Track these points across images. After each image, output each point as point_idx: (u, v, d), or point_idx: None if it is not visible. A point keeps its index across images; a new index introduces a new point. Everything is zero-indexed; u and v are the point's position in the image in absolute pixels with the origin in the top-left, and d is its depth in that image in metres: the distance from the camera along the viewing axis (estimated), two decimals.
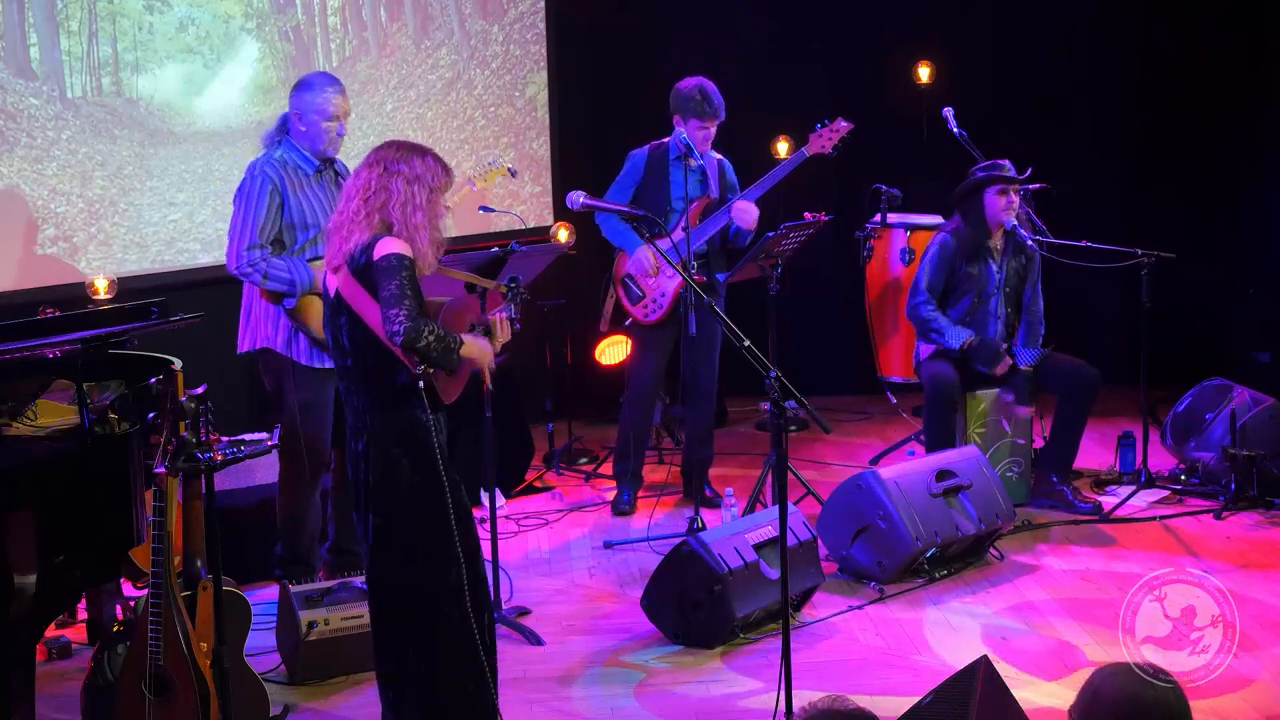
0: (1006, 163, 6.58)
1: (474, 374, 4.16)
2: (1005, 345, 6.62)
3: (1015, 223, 6.60)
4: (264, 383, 5.54)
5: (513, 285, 4.27)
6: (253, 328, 5.44)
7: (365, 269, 3.86)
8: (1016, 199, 6.56)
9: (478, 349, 4.05)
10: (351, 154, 5.46)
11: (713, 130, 6.33)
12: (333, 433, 5.47)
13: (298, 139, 5.38)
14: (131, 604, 4.95)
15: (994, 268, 6.61)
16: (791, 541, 5.18)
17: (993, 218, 6.55)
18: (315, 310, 5.38)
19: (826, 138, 6.37)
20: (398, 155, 3.96)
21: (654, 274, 6.41)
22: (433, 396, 3.96)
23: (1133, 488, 6.66)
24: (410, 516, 3.97)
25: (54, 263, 6.29)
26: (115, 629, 4.64)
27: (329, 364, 5.40)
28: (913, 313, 6.62)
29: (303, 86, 5.42)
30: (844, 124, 6.37)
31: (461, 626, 3.97)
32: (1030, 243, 6.62)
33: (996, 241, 6.62)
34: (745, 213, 6.30)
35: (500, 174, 6.15)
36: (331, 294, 3.98)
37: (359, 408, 3.99)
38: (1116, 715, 2.72)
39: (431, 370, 3.91)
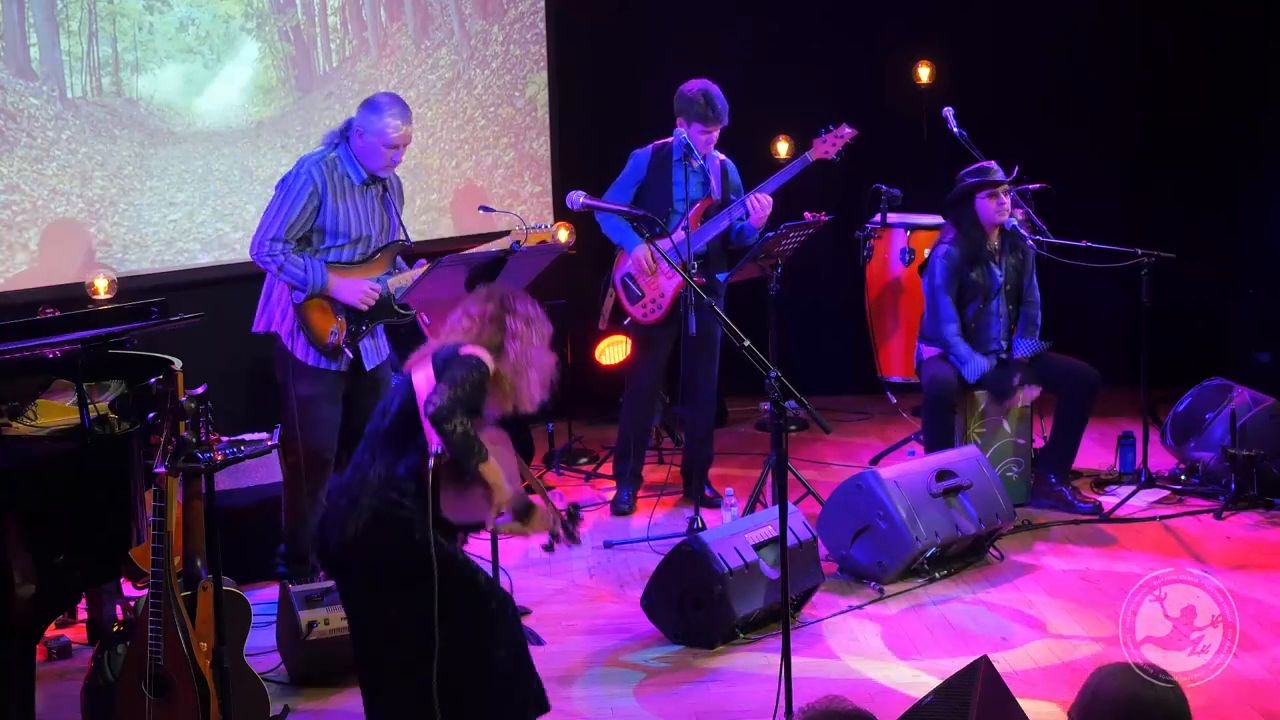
0: (994, 164, 6.57)
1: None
2: (1006, 342, 6.62)
3: (1015, 222, 6.60)
4: (275, 373, 5.57)
5: (573, 513, 4.20)
6: (269, 310, 5.51)
7: (446, 361, 3.94)
8: (1008, 199, 6.56)
9: (499, 483, 3.93)
10: None
11: (715, 135, 6.33)
12: (340, 432, 5.51)
13: (354, 149, 5.42)
14: (131, 604, 4.95)
15: (995, 269, 6.61)
16: (791, 541, 5.17)
17: (987, 221, 6.55)
18: (318, 313, 5.40)
19: (830, 143, 6.37)
20: (514, 295, 4.12)
21: (651, 273, 6.41)
22: (434, 498, 3.92)
23: (1133, 488, 6.66)
24: (390, 578, 3.95)
25: (54, 263, 6.29)
26: (115, 629, 4.65)
27: (324, 364, 5.44)
28: (936, 332, 6.59)
29: (371, 106, 5.44)
30: (848, 130, 6.37)
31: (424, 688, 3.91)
32: (1030, 243, 6.63)
33: (994, 242, 6.62)
34: (763, 206, 6.28)
35: (545, 238, 6.13)
36: (403, 375, 4.08)
37: (363, 466, 3.98)
38: (1116, 715, 2.72)
39: (445, 457, 3.86)
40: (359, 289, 5.39)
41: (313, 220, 5.39)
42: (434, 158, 7.57)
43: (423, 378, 3.96)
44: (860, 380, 8.21)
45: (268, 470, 5.98)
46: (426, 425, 3.87)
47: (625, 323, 6.64)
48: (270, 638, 5.15)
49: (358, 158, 5.43)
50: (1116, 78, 8.56)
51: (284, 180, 5.44)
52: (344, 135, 5.46)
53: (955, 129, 7.24)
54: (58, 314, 4.74)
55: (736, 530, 5.37)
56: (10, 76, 6.15)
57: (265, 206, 5.47)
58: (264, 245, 5.36)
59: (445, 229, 7.37)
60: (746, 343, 4.23)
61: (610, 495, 6.82)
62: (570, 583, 5.87)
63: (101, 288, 5.86)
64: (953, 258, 6.56)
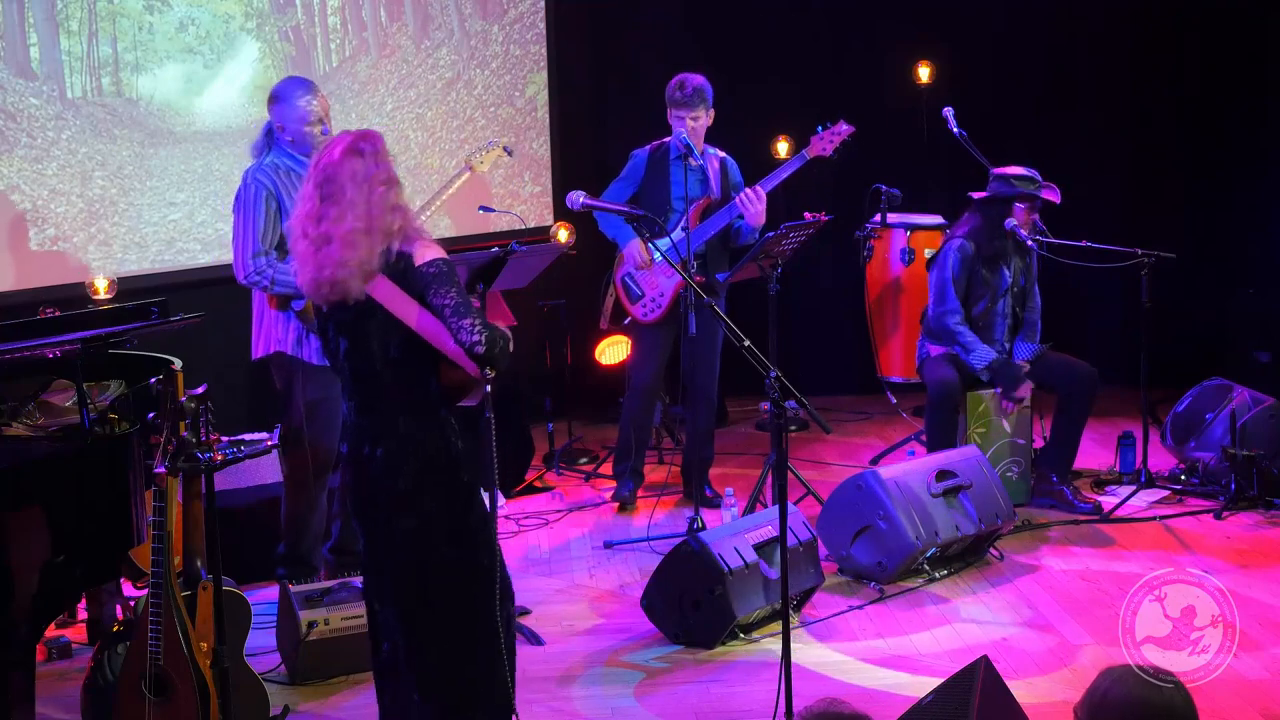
0: (1035, 174, 6.53)
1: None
2: (1009, 344, 6.62)
3: (1014, 223, 6.60)
4: (275, 382, 5.55)
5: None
6: (265, 333, 5.46)
7: (405, 273, 3.80)
8: (1036, 211, 6.57)
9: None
10: None
11: (694, 120, 6.28)
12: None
13: (286, 146, 5.40)
14: (131, 604, 4.95)
15: (1005, 270, 6.61)
16: (791, 541, 5.18)
17: (1012, 224, 6.54)
18: None
19: (828, 140, 6.37)
20: (348, 173, 3.81)
21: (646, 267, 6.41)
22: (453, 398, 3.93)
23: (1133, 488, 6.65)
24: (447, 513, 3.90)
25: (54, 263, 6.29)
26: (115, 629, 4.64)
27: None
28: (939, 321, 6.58)
29: (278, 99, 5.41)
30: (845, 127, 6.37)
31: (491, 618, 3.95)
32: (1030, 243, 6.63)
33: (1007, 244, 6.62)
34: (752, 204, 6.28)
35: (497, 154, 6.09)
36: (351, 300, 3.82)
37: (386, 412, 3.87)
38: (1125, 719, 2.73)
39: (493, 374, 3.82)
40: None
41: (278, 222, 5.33)
42: (434, 158, 7.57)
43: (388, 293, 3.77)
44: (860, 380, 8.21)
45: (268, 470, 5.98)
46: (466, 361, 3.76)
47: (626, 322, 6.65)
48: (270, 638, 5.15)
49: (294, 152, 5.39)
50: (1116, 78, 8.57)
51: (237, 199, 5.39)
52: (269, 137, 5.42)
53: (955, 129, 7.24)
54: (58, 314, 4.74)
55: (736, 530, 5.37)
56: (10, 76, 6.15)
57: (232, 233, 5.41)
58: (248, 265, 5.30)
59: (445, 229, 7.37)
60: (746, 343, 4.23)
61: (610, 495, 6.82)
62: (570, 583, 5.87)
63: (101, 288, 5.85)
64: (967, 251, 6.55)
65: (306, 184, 3.89)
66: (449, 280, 3.79)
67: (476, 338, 3.73)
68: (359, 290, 3.80)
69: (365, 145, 3.85)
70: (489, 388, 3.89)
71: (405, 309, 3.80)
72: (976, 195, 6.62)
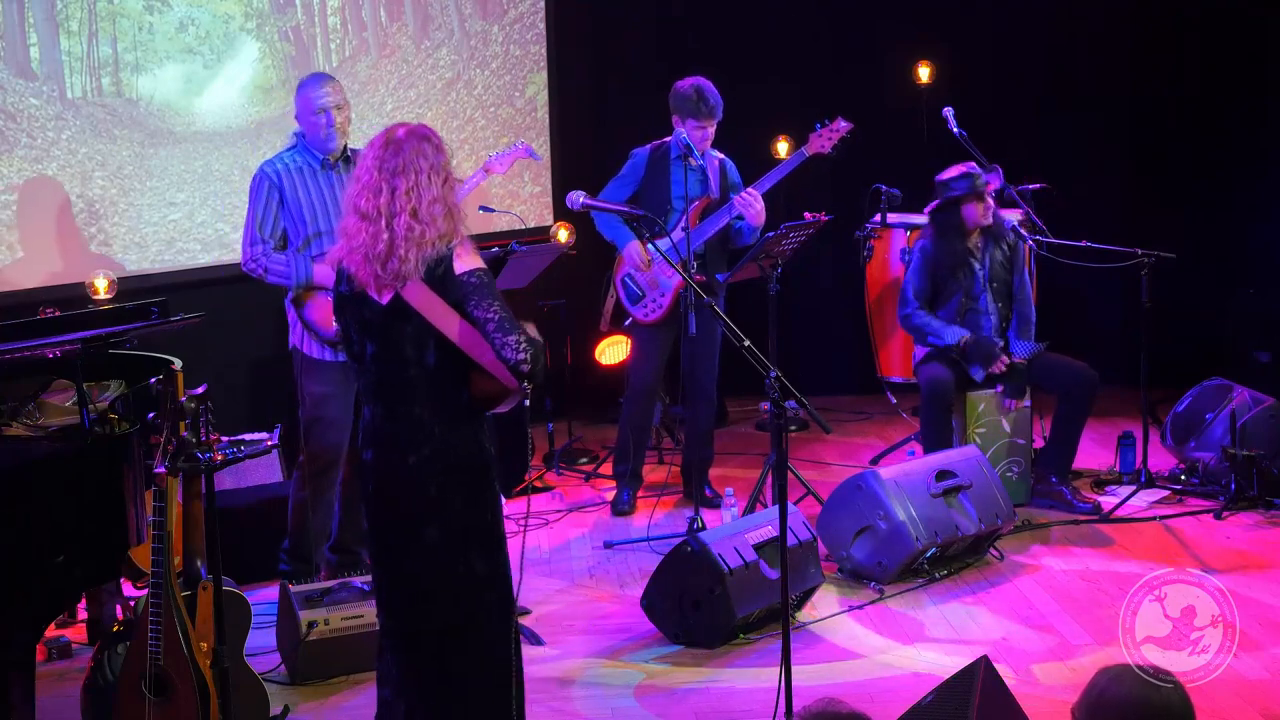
0: (975, 169, 6.56)
1: None
2: (1001, 342, 6.61)
3: (1014, 222, 6.60)
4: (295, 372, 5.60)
5: None
6: (290, 324, 5.51)
7: (442, 279, 3.68)
8: (991, 199, 6.59)
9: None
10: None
11: (710, 130, 6.32)
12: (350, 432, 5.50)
13: (304, 142, 5.48)
14: (131, 604, 4.95)
15: (976, 268, 6.61)
16: (791, 541, 5.18)
17: (972, 224, 6.55)
18: (320, 305, 5.41)
19: (826, 137, 6.37)
20: (414, 150, 3.72)
21: (645, 268, 6.41)
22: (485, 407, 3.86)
23: (1133, 488, 6.65)
24: (475, 518, 3.81)
25: (54, 263, 6.29)
26: (115, 629, 4.65)
27: (329, 355, 5.43)
28: (905, 322, 6.64)
29: (296, 90, 5.54)
30: (843, 124, 6.37)
31: (506, 638, 3.89)
32: (1030, 243, 6.63)
33: (975, 241, 6.62)
34: (751, 204, 6.27)
35: (520, 159, 6.11)
36: (384, 301, 3.72)
37: (418, 418, 3.75)
38: (1124, 718, 2.73)
39: (532, 388, 3.76)
40: None
41: (279, 215, 5.40)
42: None
43: (425, 300, 3.65)
44: (860, 380, 8.21)
45: (268, 470, 5.98)
46: (507, 376, 3.69)
47: (626, 323, 6.65)
48: (270, 638, 5.15)
49: (311, 145, 5.45)
50: (1116, 78, 8.57)
51: (249, 190, 5.50)
52: (297, 135, 5.52)
53: (955, 129, 7.24)
54: (58, 314, 4.74)
55: (736, 530, 5.37)
56: (10, 76, 6.15)
57: None
58: (246, 253, 5.39)
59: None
60: (746, 343, 4.23)
61: (610, 495, 6.82)
62: (570, 583, 5.87)
63: (101, 288, 5.85)
64: (927, 252, 6.61)
65: (363, 161, 3.76)
66: (491, 292, 3.68)
67: (522, 355, 3.65)
68: (413, 274, 3.67)
69: (433, 135, 3.77)
70: (527, 401, 3.85)
71: (444, 318, 3.68)
72: (928, 208, 6.66)
